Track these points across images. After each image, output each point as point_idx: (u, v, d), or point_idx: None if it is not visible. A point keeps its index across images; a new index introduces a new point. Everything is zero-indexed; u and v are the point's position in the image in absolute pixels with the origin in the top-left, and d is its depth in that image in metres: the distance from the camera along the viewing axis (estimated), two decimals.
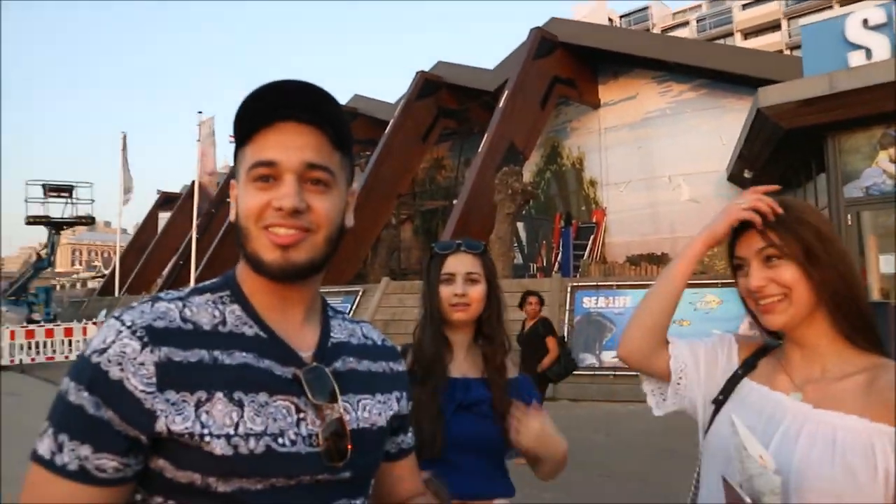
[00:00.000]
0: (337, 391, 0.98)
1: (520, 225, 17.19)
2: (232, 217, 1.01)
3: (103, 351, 0.86)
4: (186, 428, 0.85)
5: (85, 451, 0.83)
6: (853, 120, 10.06)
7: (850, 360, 1.23)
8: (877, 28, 10.14)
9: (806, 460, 1.14)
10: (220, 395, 0.88)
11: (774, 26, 46.68)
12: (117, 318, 0.90)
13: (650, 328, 1.42)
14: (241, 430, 0.88)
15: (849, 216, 10.31)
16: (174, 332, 0.90)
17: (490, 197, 14.79)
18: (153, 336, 0.88)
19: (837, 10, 12.05)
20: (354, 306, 13.09)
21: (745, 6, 49.29)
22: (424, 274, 1.95)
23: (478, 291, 1.86)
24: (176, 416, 0.85)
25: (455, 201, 17.52)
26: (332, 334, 1.07)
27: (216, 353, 0.91)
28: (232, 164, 1.09)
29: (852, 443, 1.12)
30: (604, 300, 10.96)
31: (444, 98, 21.64)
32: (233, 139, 1.07)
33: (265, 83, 0.95)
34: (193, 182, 22.84)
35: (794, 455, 1.15)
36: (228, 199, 1.07)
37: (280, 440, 0.91)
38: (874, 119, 10.03)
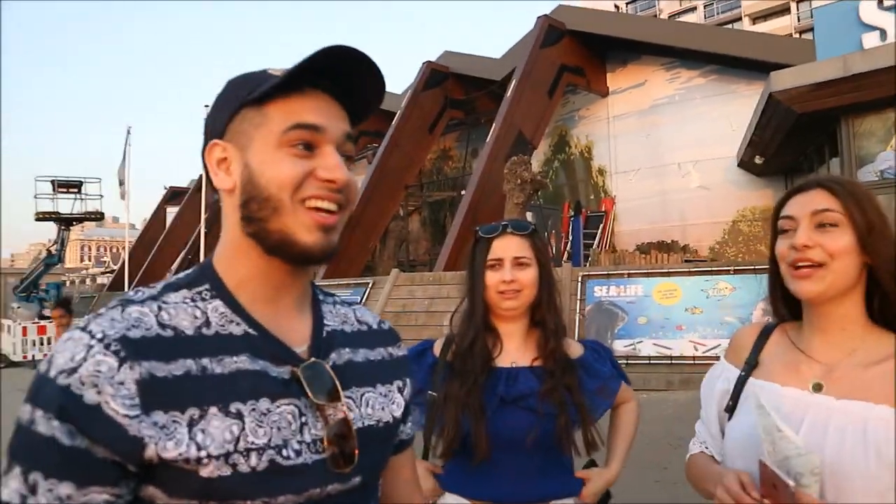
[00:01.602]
0: (339, 387, 0.88)
1: (529, 215, 17.09)
2: (225, 185, 0.87)
3: (73, 371, 0.73)
4: (180, 454, 0.74)
5: (66, 489, 0.71)
6: (868, 103, 9.95)
7: (878, 344, 1.17)
8: (892, 8, 10.00)
9: (838, 456, 1.08)
10: (214, 409, 0.77)
11: (784, 10, 46.25)
12: (85, 330, 0.76)
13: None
14: (241, 445, 0.77)
15: None
16: (153, 341, 0.77)
17: (499, 187, 14.70)
18: (130, 349, 0.75)
19: None
20: (364, 299, 13.06)
21: None
22: (468, 260, 1.80)
23: (529, 276, 1.70)
24: (167, 441, 0.74)
25: (463, 192, 17.44)
26: (325, 322, 0.96)
27: (204, 361, 0.79)
28: None
29: (885, 434, 1.06)
30: (615, 289, 10.87)
31: (451, 88, 21.51)
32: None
33: (328, 47, 0.84)
34: (200, 176, 22.88)
35: (824, 451, 1.08)
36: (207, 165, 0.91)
37: (284, 451, 0.80)
38: (889, 101, 9.91)
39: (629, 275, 11.16)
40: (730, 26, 42.10)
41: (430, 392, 1.72)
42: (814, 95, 9.97)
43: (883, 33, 10.00)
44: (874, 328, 1.18)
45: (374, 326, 1.06)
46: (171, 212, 29.89)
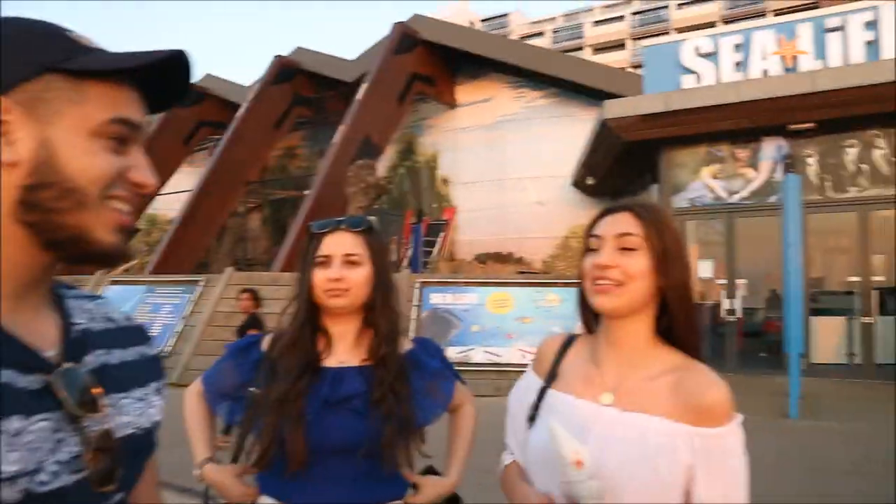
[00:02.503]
0: (99, 395, 0.77)
1: (371, 219, 17.12)
2: (9, 157, 0.70)
3: None
4: None
5: None
6: (683, 137, 10.97)
7: (662, 360, 1.27)
8: (706, 56, 11.10)
9: (619, 463, 1.17)
10: None
11: (621, 45, 50.00)
12: None
13: None
14: None
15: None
16: None
17: (343, 189, 14.59)
18: None
19: (675, 36, 13.12)
20: (195, 297, 12.39)
21: (596, 23, 52.41)
22: (300, 255, 1.69)
23: (359, 275, 1.61)
24: None
25: (307, 192, 17.11)
26: (73, 321, 0.82)
27: None
28: None
29: (657, 443, 1.17)
30: (451, 296, 11.13)
31: (301, 85, 21.08)
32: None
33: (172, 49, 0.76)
34: None
35: (609, 459, 1.17)
36: None
37: (39, 476, 0.68)
38: (700, 138, 11.00)
39: (465, 283, 11.47)
40: (573, 54, 44.81)
41: (251, 389, 1.59)
42: (639, 126, 10.83)
43: (698, 77, 11.08)
44: (662, 345, 1.29)
45: (123, 323, 0.93)
46: None
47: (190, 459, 1.66)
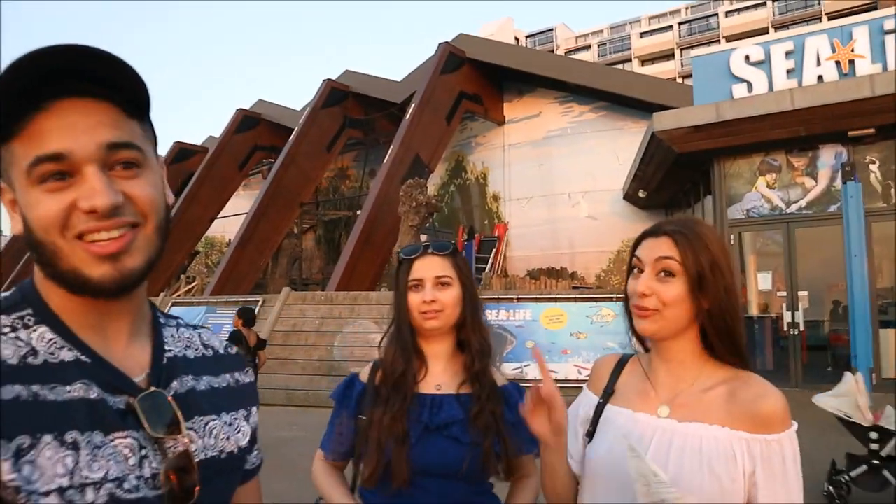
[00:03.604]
0: (180, 418, 0.82)
1: (423, 237, 17.29)
2: (16, 230, 0.78)
3: None
4: (10, 480, 0.66)
5: None
6: (737, 147, 10.76)
7: (713, 373, 1.31)
8: (756, 64, 10.91)
9: (678, 472, 1.21)
10: (48, 437, 0.69)
11: (669, 55, 49.39)
12: None
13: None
14: (76, 479, 0.70)
15: (731, 237, 10.98)
16: None
17: (394, 208, 14.78)
18: None
19: (724, 45, 12.94)
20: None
21: (643, 34, 51.93)
22: (393, 282, 1.80)
23: (450, 296, 1.71)
24: None
25: (359, 212, 17.39)
26: (166, 348, 0.89)
27: (34, 387, 0.71)
28: None
29: (716, 450, 1.21)
30: (504, 313, 11.14)
31: (351, 108, 21.51)
32: None
33: (19, 56, 0.70)
34: None
35: (667, 468, 1.20)
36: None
37: (125, 485, 0.74)
38: (755, 147, 10.77)
39: (518, 299, 11.47)
40: (621, 66, 44.49)
41: (360, 416, 1.71)
42: (690, 137, 10.68)
43: (749, 85, 10.89)
44: (710, 360, 1.33)
45: (221, 351, 1.00)
46: None
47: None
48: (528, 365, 10.26)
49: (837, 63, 10.34)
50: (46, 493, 0.68)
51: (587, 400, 1.46)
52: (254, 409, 1.00)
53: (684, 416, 1.27)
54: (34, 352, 0.75)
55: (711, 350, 1.32)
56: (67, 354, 0.77)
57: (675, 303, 1.28)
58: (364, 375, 1.78)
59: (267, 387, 11.18)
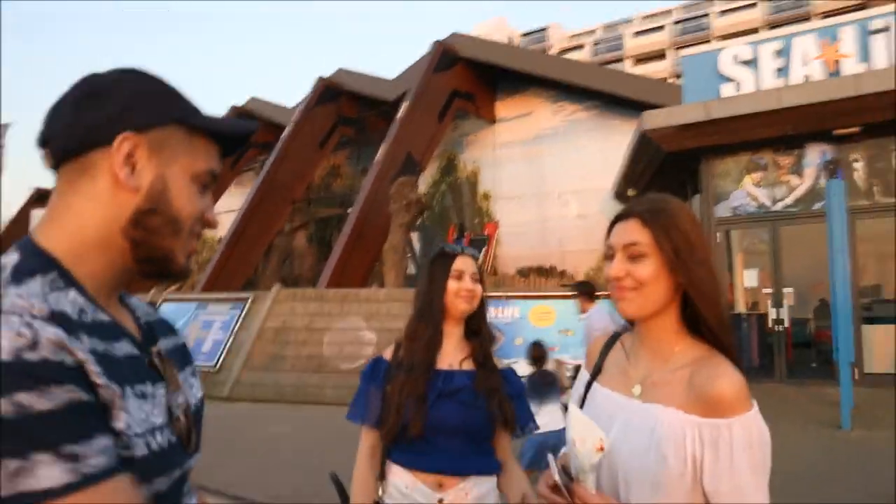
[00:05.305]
0: (176, 373, 0.94)
1: (414, 235, 17.33)
2: (133, 184, 0.85)
3: (33, 345, 0.67)
4: (121, 429, 0.73)
5: (105, 441, 0.69)
6: (724, 146, 10.85)
7: (688, 352, 1.31)
8: (744, 63, 10.99)
9: (631, 450, 1.23)
10: (129, 388, 0.78)
11: (662, 55, 49.49)
12: (10, 312, 0.69)
13: None
14: (147, 425, 0.79)
15: (718, 234, 11.07)
16: (69, 317, 0.75)
17: (385, 207, 14.82)
18: (66, 322, 0.73)
19: (714, 44, 13.00)
20: (244, 313, 12.73)
21: (636, 34, 52.05)
22: (426, 272, 2.16)
23: (479, 289, 2.12)
24: (114, 411, 0.73)
25: (350, 210, 17.41)
26: (136, 314, 0.97)
27: (103, 342, 0.78)
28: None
29: (666, 433, 1.21)
30: (494, 310, 11.17)
31: (344, 106, 21.50)
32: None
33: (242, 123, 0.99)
34: None
35: (623, 448, 1.23)
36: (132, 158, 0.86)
37: (156, 435, 0.81)
38: (742, 146, 10.87)
39: (507, 297, 11.52)
40: (613, 66, 44.55)
41: (386, 388, 2.04)
42: (679, 136, 10.76)
43: (738, 84, 10.98)
44: (688, 338, 1.33)
45: (158, 317, 1.07)
46: (38, 215, 27.85)
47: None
48: (516, 362, 10.29)
49: (825, 62, 10.44)
50: (139, 435, 0.77)
51: (582, 377, 1.50)
52: (195, 366, 1.08)
53: (649, 397, 1.28)
54: (83, 310, 0.80)
55: (692, 327, 1.32)
56: (105, 317, 0.84)
57: (650, 281, 1.29)
58: (388, 354, 2.13)
59: (257, 383, 11.20)
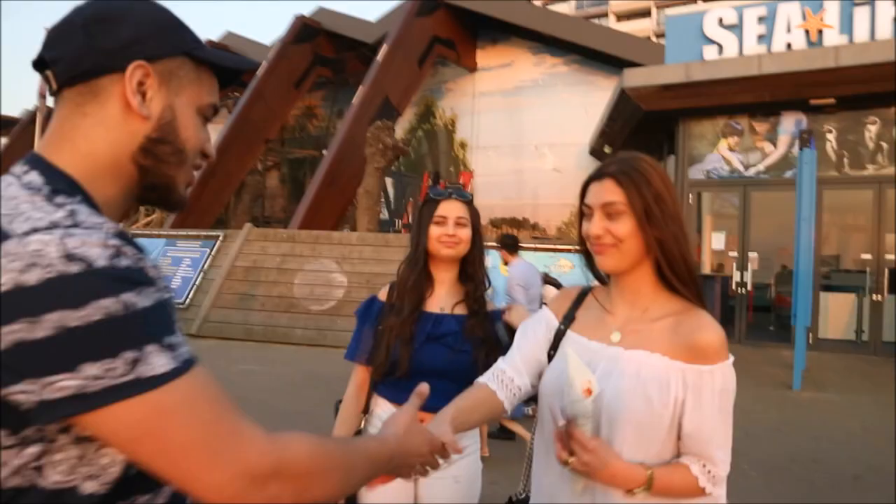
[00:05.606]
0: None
1: (388, 181, 17.22)
2: (145, 113, 0.86)
3: (120, 254, 0.73)
4: None
5: (182, 335, 0.78)
6: (702, 108, 10.93)
7: (665, 304, 1.41)
8: (729, 27, 10.98)
9: (616, 392, 1.32)
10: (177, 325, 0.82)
11: (646, 13, 49.02)
12: (90, 227, 0.73)
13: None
14: None
15: (690, 196, 11.23)
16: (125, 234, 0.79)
17: (361, 150, 14.67)
18: (123, 236, 0.77)
19: (699, 6, 12.96)
20: (213, 252, 12.63)
21: None
22: (416, 217, 2.18)
23: (465, 233, 2.10)
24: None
25: (325, 152, 17.22)
26: None
27: (159, 286, 0.81)
28: None
29: (652, 376, 1.32)
30: None
31: (322, 45, 21.03)
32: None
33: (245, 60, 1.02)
34: (37, 106, 20.80)
35: (608, 390, 1.32)
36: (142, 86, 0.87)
37: None
38: (720, 109, 10.96)
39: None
40: (597, 20, 44.05)
41: (379, 328, 2.09)
42: (658, 96, 10.80)
43: (720, 48, 10.99)
44: (664, 290, 1.43)
45: None
46: None
47: None
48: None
49: (807, 32, 10.48)
50: None
51: (548, 320, 1.56)
52: None
53: (631, 344, 1.38)
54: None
55: (666, 282, 1.41)
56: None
57: (628, 237, 1.37)
58: (382, 295, 2.16)
59: (226, 321, 11.21)
